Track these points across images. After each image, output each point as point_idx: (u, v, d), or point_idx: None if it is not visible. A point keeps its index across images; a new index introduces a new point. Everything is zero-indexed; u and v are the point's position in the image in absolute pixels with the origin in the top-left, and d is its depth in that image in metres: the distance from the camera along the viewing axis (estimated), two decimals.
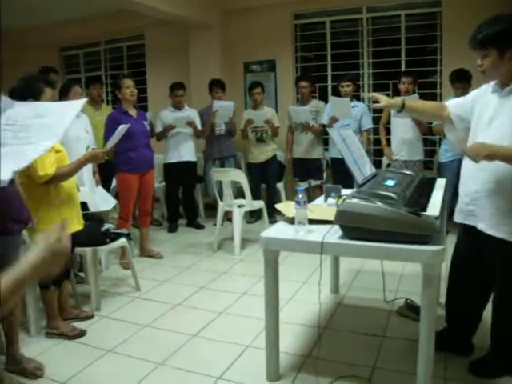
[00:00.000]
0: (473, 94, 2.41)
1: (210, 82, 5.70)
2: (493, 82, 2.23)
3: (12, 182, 2.28)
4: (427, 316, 1.97)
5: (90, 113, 4.81)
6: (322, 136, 5.57)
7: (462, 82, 4.49)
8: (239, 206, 4.79)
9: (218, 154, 5.69)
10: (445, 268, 2.64)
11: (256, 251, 4.56)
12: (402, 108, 2.51)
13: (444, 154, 4.83)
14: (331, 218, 2.12)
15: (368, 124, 5.17)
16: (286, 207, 2.60)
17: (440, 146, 5.07)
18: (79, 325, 3.05)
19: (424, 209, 2.19)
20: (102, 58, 7.62)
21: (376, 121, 5.40)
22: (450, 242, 2.59)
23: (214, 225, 5.06)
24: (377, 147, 5.61)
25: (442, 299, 2.82)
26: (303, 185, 5.15)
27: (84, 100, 1.45)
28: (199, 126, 5.48)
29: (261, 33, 6.21)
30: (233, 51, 6.40)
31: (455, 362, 2.44)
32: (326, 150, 5.66)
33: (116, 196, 4.63)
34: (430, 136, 5.26)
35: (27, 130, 1.30)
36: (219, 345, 2.80)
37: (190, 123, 5.36)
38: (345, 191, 2.82)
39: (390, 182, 2.51)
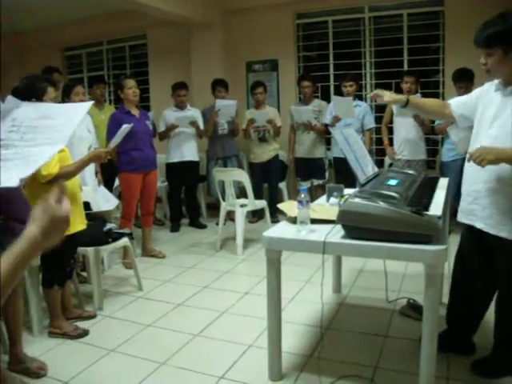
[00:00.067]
0: (476, 92, 2.40)
1: (212, 81, 5.70)
2: (496, 81, 2.22)
3: None
4: (430, 316, 1.97)
5: (93, 112, 4.82)
6: (325, 135, 5.57)
7: (465, 81, 4.48)
8: (241, 206, 4.79)
9: (221, 153, 5.69)
10: (447, 268, 2.63)
11: (258, 251, 4.56)
12: (406, 104, 2.51)
13: (446, 154, 4.82)
14: (333, 217, 2.12)
15: (370, 123, 5.16)
16: (288, 207, 2.60)
17: (442, 145, 5.06)
18: (82, 324, 3.05)
19: (426, 208, 2.19)
20: (104, 58, 7.63)
21: (378, 120, 5.40)
22: (453, 241, 2.58)
23: (217, 224, 5.06)
24: (379, 147, 5.60)
25: (445, 299, 2.81)
26: (305, 184, 5.14)
27: (91, 102, 1.44)
28: (202, 126, 5.48)
29: (263, 32, 6.20)
30: (235, 51, 6.40)
31: (458, 362, 2.44)
32: (329, 149, 5.66)
33: (119, 196, 4.64)
34: (432, 135, 5.25)
35: (34, 131, 1.29)
36: (222, 344, 2.81)
37: (193, 123, 5.37)
38: (347, 191, 2.82)
39: (393, 182, 2.51)
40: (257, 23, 6.23)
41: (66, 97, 3.89)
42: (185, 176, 5.52)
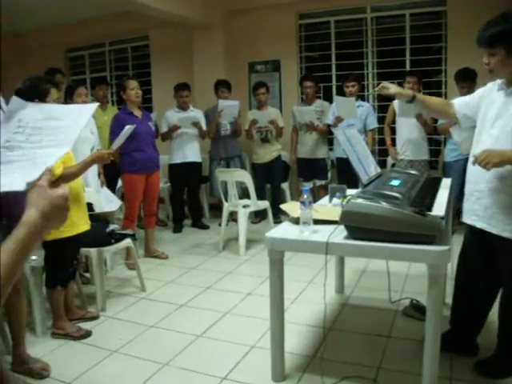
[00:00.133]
0: (478, 92, 2.40)
1: (216, 82, 5.71)
2: (499, 80, 2.22)
3: None
4: (433, 316, 1.97)
5: (96, 114, 4.82)
6: (327, 136, 5.57)
7: (468, 81, 4.47)
8: (244, 207, 4.79)
9: (224, 154, 5.69)
10: (450, 268, 2.63)
11: (261, 251, 4.56)
12: (411, 100, 2.50)
13: (449, 154, 4.81)
14: (336, 218, 2.12)
15: (373, 124, 5.16)
16: (291, 207, 2.60)
17: (445, 145, 5.06)
18: (85, 325, 3.05)
19: (429, 209, 2.19)
20: (106, 59, 7.64)
21: (381, 121, 5.39)
22: (456, 242, 2.58)
23: (219, 225, 5.07)
24: (382, 147, 5.59)
25: (448, 299, 2.81)
26: (308, 185, 5.15)
27: (96, 104, 1.42)
28: (204, 127, 5.49)
29: (265, 33, 6.21)
30: (237, 51, 6.41)
31: (461, 363, 2.44)
32: (331, 149, 5.65)
33: (122, 197, 4.64)
34: (435, 136, 5.25)
35: (39, 132, 1.28)
36: (224, 345, 2.81)
37: (196, 124, 5.37)
38: (350, 191, 2.81)
39: (395, 182, 2.51)
40: (259, 24, 6.23)
41: (68, 98, 3.91)
42: (187, 177, 5.52)
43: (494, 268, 2.32)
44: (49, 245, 2.81)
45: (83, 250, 3.27)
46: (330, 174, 5.61)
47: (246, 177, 4.74)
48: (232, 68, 6.38)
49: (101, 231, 3.41)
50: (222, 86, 5.63)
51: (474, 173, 2.27)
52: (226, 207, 4.88)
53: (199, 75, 6.36)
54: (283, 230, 2.35)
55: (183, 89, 5.41)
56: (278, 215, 5.30)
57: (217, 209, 5.73)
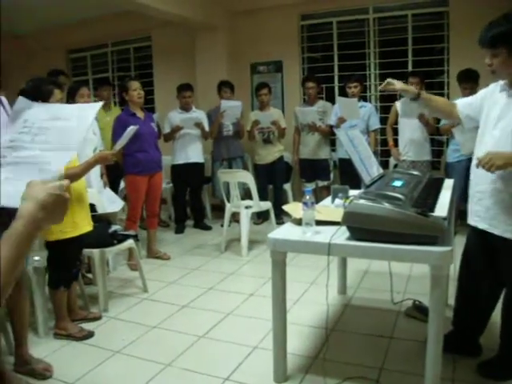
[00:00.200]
0: (481, 93, 2.40)
1: (218, 83, 5.71)
2: (501, 81, 2.22)
3: None
4: (435, 317, 1.96)
5: (100, 114, 4.84)
6: (329, 137, 5.56)
7: (470, 82, 4.46)
8: (246, 207, 4.79)
9: (226, 154, 5.69)
10: (453, 269, 2.63)
11: (263, 252, 4.56)
12: (417, 97, 2.50)
13: (452, 155, 4.80)
14: (338, 219, 2.11)
15: (375, 124, 5.16)
16: (293, 208, 2.60)
17: (448, 146, 5.05)
18: (87, 326, 3.06)
19: (432, 209, 2.18)
20: (109, 60, 7.65)
21: (383, 121, 5.39)
22: (459, 242, 2.57)
23: (222, 226, 5.06)
24: (384, 148, 5.59)
25: (451, 300, 2.80)
26: (310, 186, 5.15)
27: (100, 104, 1.41)
28: (207, 128, 5.49)
29: (267, 34, 6.21)
30: (239, 52, 6.41)
31: (463, 364, 2.43)
32: (333, 150, 5.65)
33: (124, 198, 4.65)
34: (437, 136, 5.24)
35: (45, 133, 1.27)
36: (227, 346, 2.81)
37: (198, 124, 5.37)
38: (352, 192, 2.81)
39: (398, 183, 2.51)
40: (261, 24, 6.24)
41: (70, 99, 3.91)
42: (190, 177, 5.52)
43: (496, 269, 2.32)
44: (52, 245, 2.82)
45: (85, 251, 3.28)
46: (332, 175, 5.61)
47: (248, 178, 4.74)
48: (234, 69, 6.39)
49: (103, 232, 3.42)
50: (225, 87, 5.64)
51: (477, 173, 2.27)
52: (228, 208, 4.88)
53: (202, 76, 6.36)
54: (285, 231, 2.35)
55: (186, 89, 5.41)
56: (281, 216, 5.29)
57: (219, 210, 5.73)
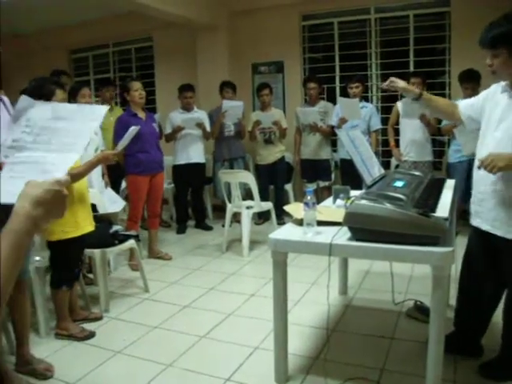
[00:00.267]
0: (483, 94, 2.40)
1: (221, 83, 5.72)
2: (503, 82, 2.21)
3: None
4: (437, 318, 1.96)
5: None
6: (330, 137, 5.56)
7: (472, 82, 4.46)
8: (248, 208, 4.79)
9: (227, 155, 5.69)
10: (454, 270, 2.62)
11: (264, 252, 4.56)
12: (418, 97, 2.50)
13: (453, 155, 4.80)
14: (340, 219, 2.11)
15: (377, 125, 5.15)
16: (294, 209, 2.60)
17: (449, 146, 5.05)
18: (88, 326, 3.06)
19: (433, 210, 2.18)
20: (110, 60, 7.66)
21: (384, 122, 5.38)
22: (460, 243, 2.57)
23: (223, 226, 5.07)
24: (385, 148, 5.58)
25: (452, 301, 2.80)
26: (311, 186, 5.14)
27: (106, 108, 1.38)
28: (208, 128, 5.50)
29: (269, 34, 6.21)
30: (241, 53, 6.41)
31: (465, 365, 2.43)
32: (335, 151, 5.65)
33: (126, 198, 4.65)
34: (438, 137, 5.23)
35: (47, 133, 1.25)
36: (228, 346, 2.81)
37: (200, 125, 5.38)
38: (353, 192, 2.81)
39: (399, 183, 2.51)
40: (262, 25, 6.24)
41: (72, 99, 3.91)
42: (191, 178, 5.53)
43: (498, 270, 2.31)
44: (54, 245, 2.82)
45: (87, 251, 3.28)
46: (333, 175, 5.61)
47: (249, 178, 4.74)
48: (236, 69, 6.39)
49: (104, 232, 3.42)
50: (227, 87, 5.65)
51: (477, 175, 2.27)
52: (230, 208, 4.88)
53: (203, 76, 6.37)
54: (287, 232, 2.35)
55: (187, 90, 5.42)
56: (282, 216, 5.29)
57: (220, 210, 5.73)
